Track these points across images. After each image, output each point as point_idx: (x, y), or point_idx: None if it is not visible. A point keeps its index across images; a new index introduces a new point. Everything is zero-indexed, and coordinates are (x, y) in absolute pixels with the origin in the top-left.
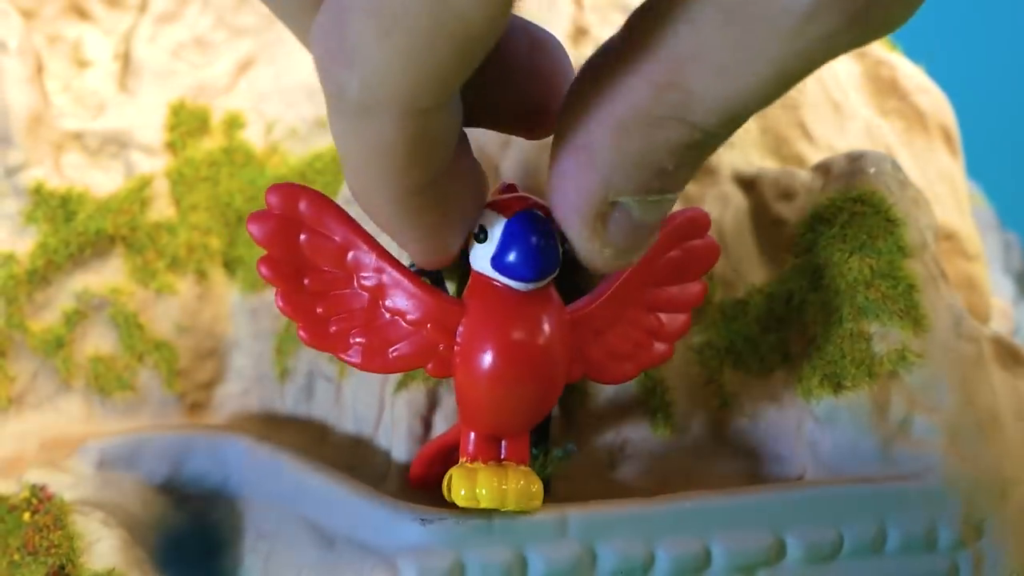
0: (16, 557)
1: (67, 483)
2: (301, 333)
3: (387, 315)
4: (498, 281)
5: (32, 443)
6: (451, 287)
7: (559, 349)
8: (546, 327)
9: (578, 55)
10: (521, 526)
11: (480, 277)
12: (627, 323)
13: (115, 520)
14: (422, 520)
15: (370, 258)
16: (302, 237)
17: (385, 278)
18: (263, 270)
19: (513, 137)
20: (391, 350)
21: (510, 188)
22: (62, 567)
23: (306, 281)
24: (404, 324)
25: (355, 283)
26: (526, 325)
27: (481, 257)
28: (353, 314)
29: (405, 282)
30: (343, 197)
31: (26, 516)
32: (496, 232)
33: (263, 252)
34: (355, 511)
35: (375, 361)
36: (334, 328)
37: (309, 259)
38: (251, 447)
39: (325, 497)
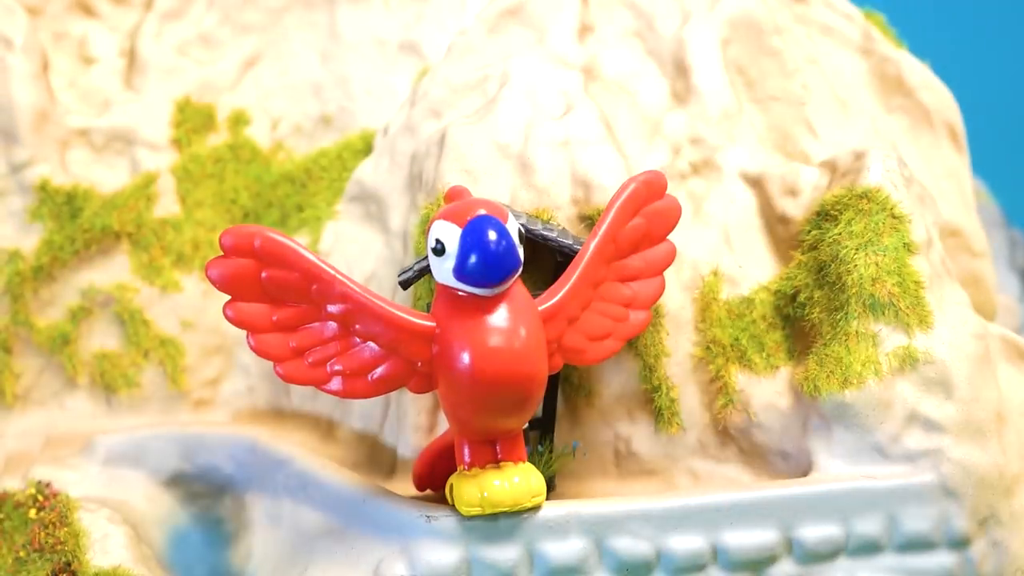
0: (22, 554)
1: (73, 480)
2: (278, 370)
3: (359, 340)
4: (463, 291)
5: (38, 440)
6: None
7: (535, 347)
8: (519, 329)
9: (585, 51)
10: (527, 523)
11: (445, 289)
12: (602, 301)
13: (121, 517)
14: (427, 517)
15: (333, 287)
16: (264, 275)
17: (351, 305)
18: (228, 314)
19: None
20: (370, 375)
21: (458, 193)
22: (68, 564)
23: (274, 318)
24: (378, 348)
25: (323, 313)
26: (498, 330)
27: (443, 271)
28: (326, 344)
29: (371, 306)
30: (347, 195)
31: (32, 513)
32: (452, 243)
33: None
34: (364, 507)
35: (356, 387)
36: (311, 359)
37: (274, 296)
38: (258, 444)
39: (334, 493)
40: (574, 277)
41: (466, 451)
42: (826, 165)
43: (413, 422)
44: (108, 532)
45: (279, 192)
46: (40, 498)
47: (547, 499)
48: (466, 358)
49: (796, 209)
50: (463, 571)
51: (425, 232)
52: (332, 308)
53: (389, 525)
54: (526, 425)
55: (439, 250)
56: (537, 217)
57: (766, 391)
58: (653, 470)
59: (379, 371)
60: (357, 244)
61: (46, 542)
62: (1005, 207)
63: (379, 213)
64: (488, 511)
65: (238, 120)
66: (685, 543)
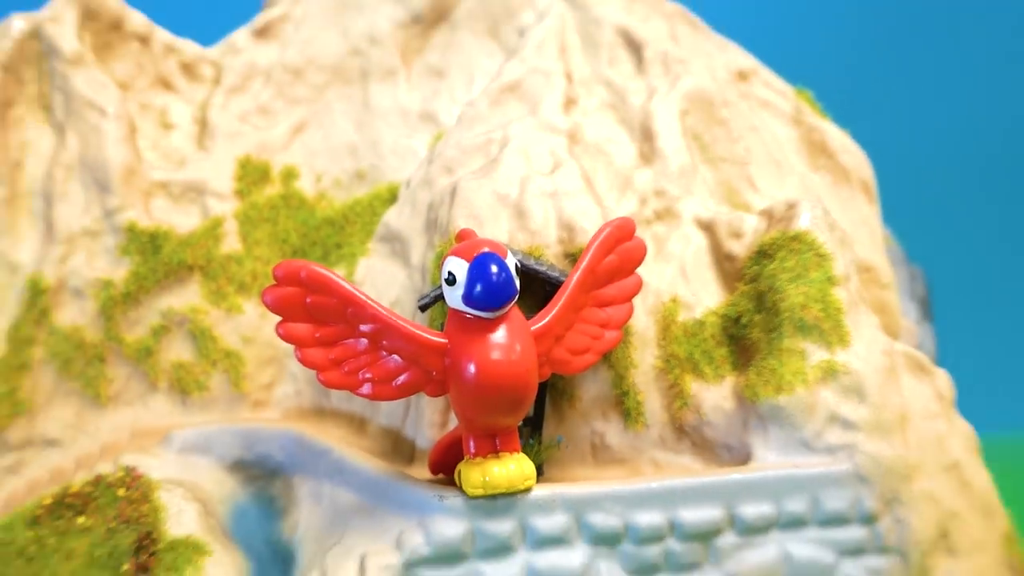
0: (112, 525)
1: (154, 465)
2: (320, 377)
3: (386, 353)
4: (470, 314)
5: (126, 433)
6: None
7: (528, 360)
8: (515, 345)
9: (569, 120)
10: (520, 502)
11: (455, 312)
12: (582, 322)
13: (192, 495)
14: (440, 497)
15: (365, 310)
16: (308, 300)
17: (380, 325)
18: (280, 332)
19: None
20: (394, 381)
21: (467, 234)
22: (149, 533)
23: (317, 335)
24: (401, 360)
25: (356, 332)
26: (498, 346)
27: (454, 297)
28: (359, 356)
29: (396, 325)
30: (377, 236)
31: (120, 492)
32: (462, 275)
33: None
34: (390, 488)
35: (383, 392)
36: (346, 369)
37: (317, 317)
38: (304, 437)
39: (365, 477)
40: (560, 303)
41: (471, 443)
42: (764, 213)
43: (429, 419)
44: (182, 508)
45: (321, 233)
46: (127, 480)
47: (537, 483)
48: (472, 368)
49: (740, 248)
50: (468, 541)
51: (439, 266)
52: (364, 327)
53: (409, 503)
54: (520, 422)
55: (451, 280)
56: (530, 254)
57: (714, 396)
58: (623, 459)
59: (401, 379)
60: (384, 275)
61: (132, 516)
62: (907, 248)
63: (402, 251)
64: (489, 492)
65: (289, 175)
66: (648, 518)
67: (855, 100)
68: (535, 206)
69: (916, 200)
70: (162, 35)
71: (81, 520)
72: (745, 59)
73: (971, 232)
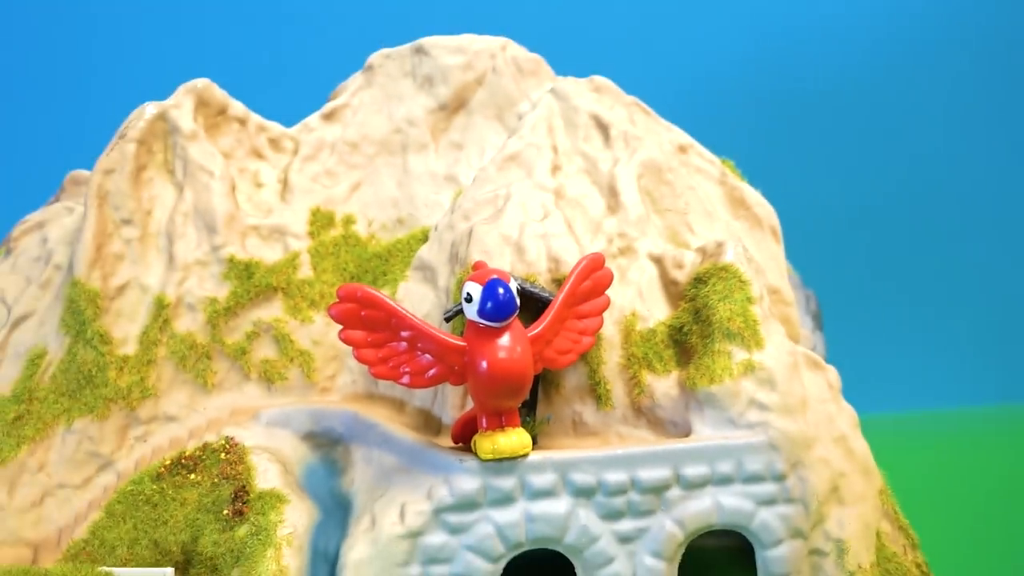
0: (215, 480)
1: (247, 436)
2: (371, 371)
3: (420, 353)
4: (483, 323)
5: (226, 411)
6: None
7: (525, 358)
8: (516, 347)
9: (555, 181)
10: (520, 464)
11: (472, 323)
12: (566, 330)
13: (275, 458)
14: (460, 460)
15: (404, 321)
16: (363, 313)
17: (415, 332)
18: (341, 337)
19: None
20: (426, 374)
21: (480, 265)
22: (243, 487)
23: (369, 339)
24: (431, 358)
25: (398, 337)
26: (504, 348)
27: (471, 312)
28: (400, 355)
29: (428, 332)
30: (413, 266)
31: (222, 455)
32: (476, 295)
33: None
34: (422, 453)
35: (418, 382)
36: (390, 364)
37: (369, 326)
38: (358, 415)
39: (403, 445)
40: (549, 317)
41: (483, 420)
42: (699, 250)
43: (452, 402)
44: (267, 467)
45: (372, 264)
46: (227, 446)
47: (532, 450)
48: (485, 365)
49: (682, 276)
50: (482, 493)
51: (460, 288)
52: (404, 334)
53: (437, 465)
54: (520, 405)
55: (468, 299)
56: (527, 280)
57: (663, 385)
58: (596, 432)
59: (431, 372)
60: (418, 295)
61: (230, 473)
62: (803, 276)
63: (432, 277)
64: (497, 457)
65: (348, 221)
66: (615, 477)
67: (766, 167)
68: (530, 244)
69: (809, 241)
70: (255, 118)
71: (192, 476)
72: (684, 137)
73: (849, 265)
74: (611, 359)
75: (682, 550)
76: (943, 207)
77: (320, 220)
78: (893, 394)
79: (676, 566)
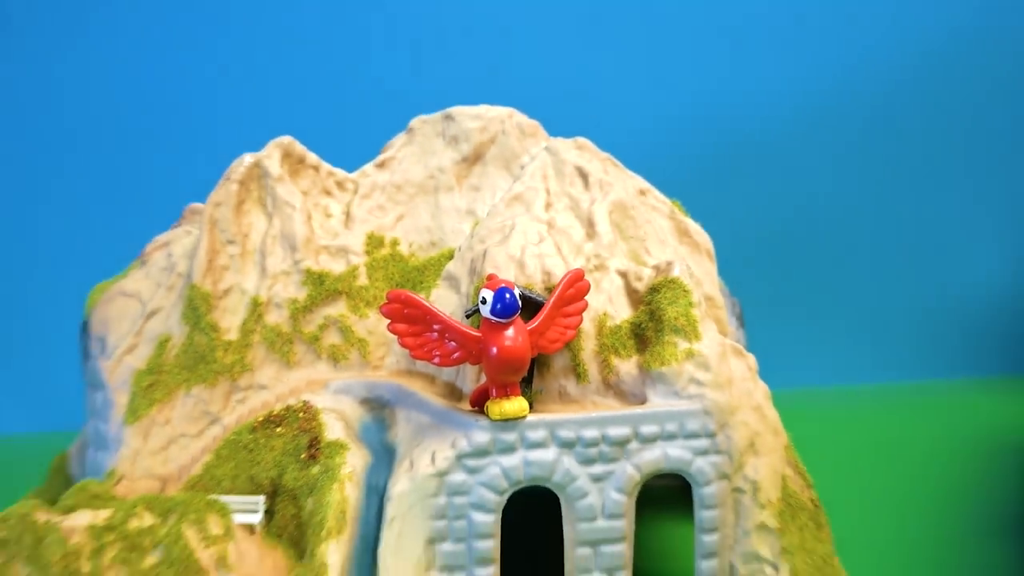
0: (295, 432)
1: (319, 400)
2: (411, 354)
3: (448, 341)
4: (493, 320)
5: (304, 382)
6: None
7: (525, 345)
8: (519, 337)
9: (548, 215)
10: (521, 423)
11: (486, 319)
12: (555, 326)
13: (340, 417)
14: (476, 420)
15: (436, 318)
16: (405, 311)
17: (444, 326)
18: (390, 328)
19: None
20: (452, 356)
21: (492, 276)
22: (316, 438)
23: (410, 330)
24: (455, 345)
25: (431, 329)
26: (509, 338)
27: (485, 311)
28: (432, 343)
29: (454, 325)
30: (442, 277)
31: (300, 414)
32: (489, 299)
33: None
34: (448, 415)
35: (445, 362)
36: (425, 349)
37: (410, 321)
38: (402, 386)
39: (434, 408)
40: (543, 315)
41: (493, 391)
42: (654, 267)
43: (470, 377)
44: (334, 424)
45: (412, 275)
46: (304, 408)
47: (529, 413)
48: (495, 350)
49: (641, 286)
50: (491, 444)
51: (476, 293)
52: (435, 327)
53: (459, 423)
54: (520, 380)
55: (483, 301)
56: (526, 287)
57: (626, 367)
58: (576, 401)
59: (455, 355)
60: (446, 299)
61: (306, 427)
62: (730, 287)
63: (456, 285)
64: (503, 418)
65: (394, 243)
66: (590, 433)
67: (704, 206)
68: (529, 262)
69: (735, 260)
70: (326, 166)
71: (279, 430)
72: (643, 183)
73: (764, 279)
74: (588, 347)
75: (639, 488)
76: (833, 236)
77: (373, 242)
78: (795, 375)
79: (634, 499)
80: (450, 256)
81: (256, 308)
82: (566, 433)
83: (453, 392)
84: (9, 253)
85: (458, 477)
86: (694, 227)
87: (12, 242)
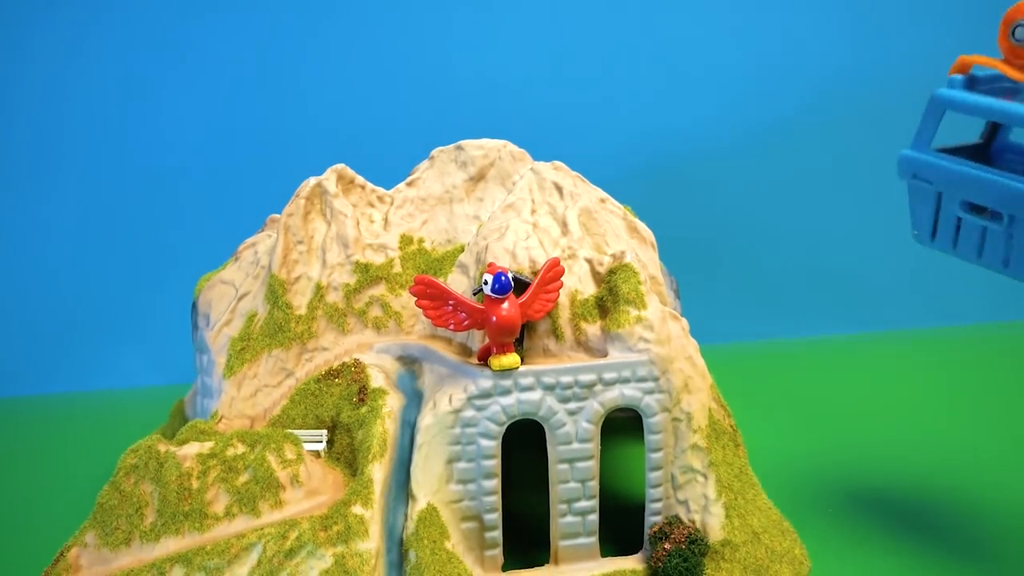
0: (349, 382)
1: (366, 358)
2: (433, 323)
3: (460, 312)
4: (493, 296)
5: (355, 345)
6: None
7: (516, 315)
8: (512, 309)
9: (533, 219)
10: (514, 373)
11: (487, 296)
12: (538, 300)
13: (381, 370)
14: (482, 370)
15: (451, 295)
16: (428, 291)
17: (457, 301)
18: (417, 303)
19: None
20: (463, 324)
21: (492, 264)
22: (363, 386)
23: (432, 305)
24: (465, 315)
25: (447, 304)
26: (504, 309)
27: (487, 290)
28: (448, 314)
29: (464, 301)
30: (456, 265)
31: (352, 369)
32: (490, 280)
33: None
34: (461, 367)
35: (459, 328)
36: (443, 319)
37: (431, 298)
38: (427, 346)
39: (450, 361)
40: (529, 292)
41: (494, 348)
42: (612, 255)
43: (477, 339)
44: (377, 375)
45: (433, 265)
46: (355, 364)
47: (520, 366)
48: (495, 318)
49: (602, 270)
50: (493, 388)
51: (480, 277)
52: (450, 302)
53: (469, 373)
54: (513, 340)
55: (485, 283)
56: (518, 272)
57: (592, 329)
58: (556, 356)
59: (465, 323)
60: (459, 282)
61: (357, 378)
62: (669, 268)
63: (466, 271)
64: (502, 369)
65: (420, 241)
66: (566, 379)
67: (649, 208)
68: (520, 253)
69: (673, 247)
70: (370, 185)
71: (337, 380)
72: (603, 194)
73: (696, 260)
74: (564, 315)
75: (603, 418)
76: (745, 229)
77: (405, 241)
78: (719, 333)
79: (599, 427)
80: (461, 250)
81: (319, 291)
82: (548, 379)
83: (465, 350)
84: (146, 253)
85: (469, 413)
86: (641, 225)
87: (148, 245)
